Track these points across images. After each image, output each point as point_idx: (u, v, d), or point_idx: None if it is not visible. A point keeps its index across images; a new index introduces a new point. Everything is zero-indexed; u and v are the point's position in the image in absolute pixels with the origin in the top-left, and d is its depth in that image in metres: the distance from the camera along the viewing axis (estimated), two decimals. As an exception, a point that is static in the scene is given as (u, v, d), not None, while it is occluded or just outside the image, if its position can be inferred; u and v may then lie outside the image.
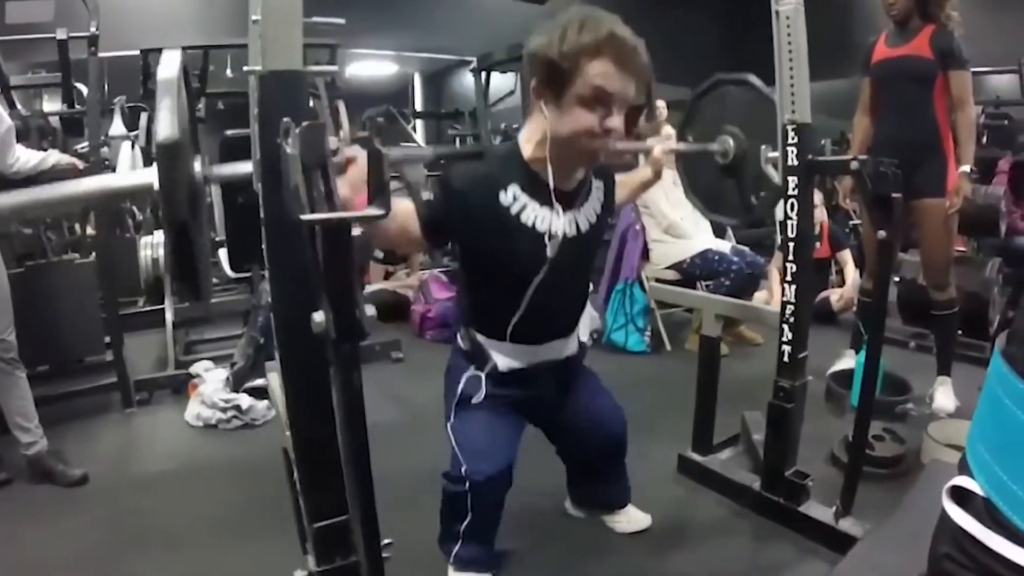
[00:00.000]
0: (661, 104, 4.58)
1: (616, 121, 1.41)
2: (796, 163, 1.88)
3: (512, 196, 1.48)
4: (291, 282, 1.04)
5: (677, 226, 3.89)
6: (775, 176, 1.95)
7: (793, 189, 1.90)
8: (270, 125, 0.97)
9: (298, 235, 0.87)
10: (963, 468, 0.58)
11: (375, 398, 3.25)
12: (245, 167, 1.29)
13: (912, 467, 2.56)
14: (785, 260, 1.98)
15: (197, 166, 1.17)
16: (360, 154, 1.14)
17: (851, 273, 4.46)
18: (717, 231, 4.11)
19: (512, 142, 1.56)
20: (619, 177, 1.81)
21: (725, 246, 3.97)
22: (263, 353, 2.96)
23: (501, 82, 4.61)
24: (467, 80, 7.33)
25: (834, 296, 4.42)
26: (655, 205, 3.87)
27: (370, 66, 8.22)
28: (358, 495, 0.84)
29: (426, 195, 1.46)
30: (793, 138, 1.87)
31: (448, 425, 1.69)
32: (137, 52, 4.07)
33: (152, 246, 4.01)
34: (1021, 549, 0.49)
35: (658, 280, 3.87)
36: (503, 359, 1.65)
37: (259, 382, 2.91)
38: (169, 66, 1.15)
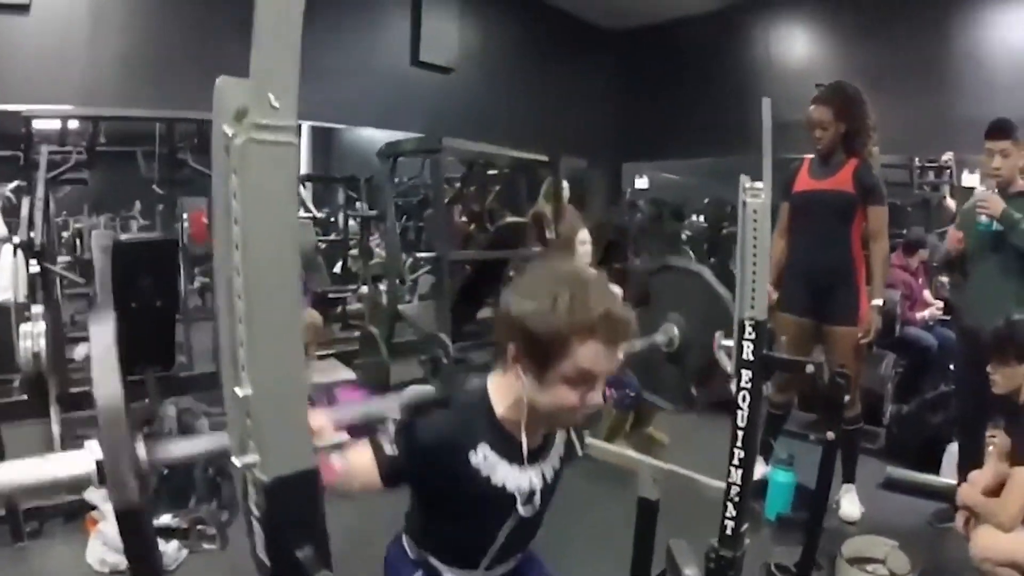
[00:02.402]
0: (564, 185, 4.48)
1: (598, 397, 1.33)
2: (751, 358, 1.89)
3: (483, 456, 1.39)
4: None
5: None
6: (728, 365, 1.96)
7: (746, 382, 1.91)
8: (280, 537, 0.83)
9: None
10: None
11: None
12: (200, 444, 1.17)
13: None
14: (733, 445, 1.99)
15: (141, 450, 1.04)
16: (323, 424, 1.12)
17: None
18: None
19: (481, 392, 1.45)
20: None
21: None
22: (167, 485, 2.73)
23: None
24: (361, 136, 7.02)
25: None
26: None
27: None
28: None
29: (389, 449, 1.34)
30: (751, 334, 1.88)
31: None
32: (18, 108, 3.68)
33: (33, 336, 3.53)
34: None
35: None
36: None
37: (165, 519, 2.67)
38: (107, 387, 0.98)
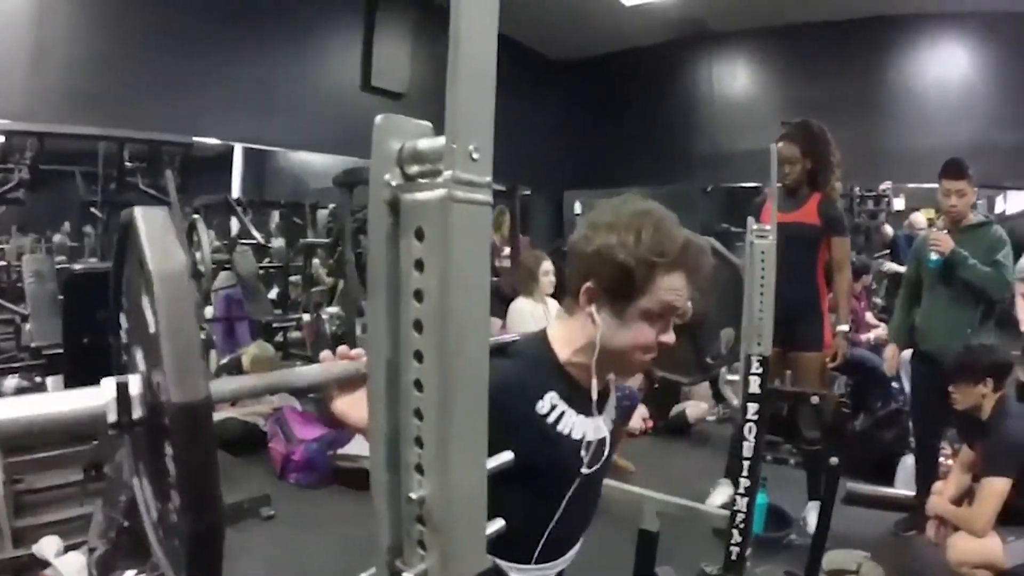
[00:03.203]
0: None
1: (672, 336, 1.31)
2: (758, 391, 1.98)
3: (550, 404, 1.32)
4: None
5: None
6: (734, 399, 2.04)
7: (753, 415, 2.00)
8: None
9: None
10: None
11: (252, 569, 2.95)
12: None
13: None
14: (739, 475, 2.08)
15: None
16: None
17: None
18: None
19: (540, 339, 1.39)
20: None
21: None
22: (127, 537, 2.58)
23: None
24: (295, 160, 6.84)
25: (690, 409, 4.73)
26: (522, 331, 3.79)
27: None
28: None
29: None
30: (758, 368, 1.97)
31: None
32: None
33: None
34: None
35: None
36: None
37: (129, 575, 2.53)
38: (165, 254, 0.76)
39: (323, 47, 6.13)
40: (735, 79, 6.72)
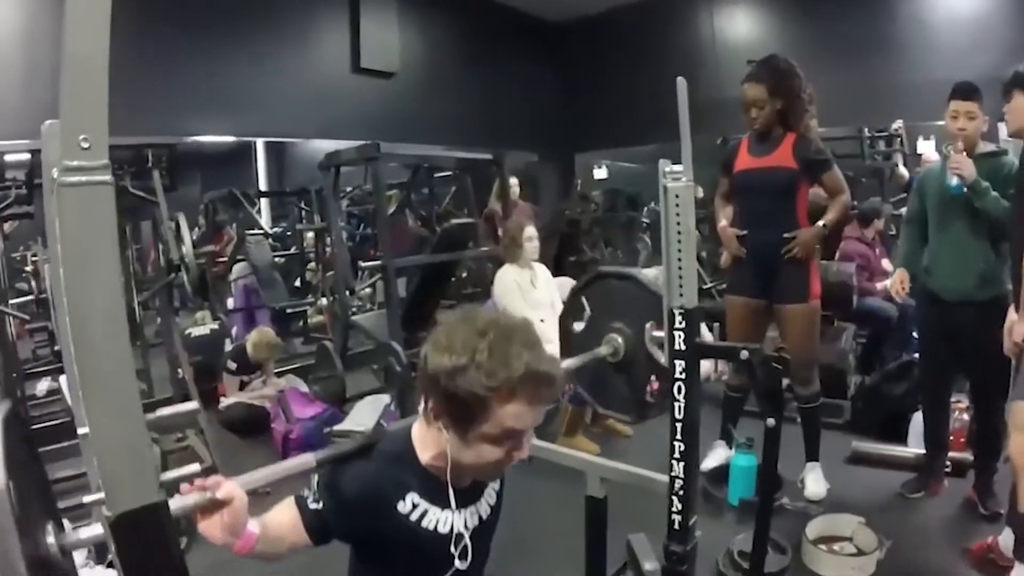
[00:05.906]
0: (514, 181, 4.50)
1: (525, 452, 1.27)
2: (684, 347, 1.83)
3: (411, 504, 1.33)
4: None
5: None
6: (661, 357, 1.91)
7: (680, 373, 1.85)
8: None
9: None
10: None
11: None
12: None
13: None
14: (673, 438, 1.94)
15: (51, 538, 0.97)
16: (236, 493, 1.08)
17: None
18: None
19: (404, 438, 1.38)
20: None
21: None
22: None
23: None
24: (311, 148, 6.91)
25: None
26: (511, 306, 3.70)
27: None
28: None
29: (313, 505, 1.29)
30: (681, 323, 1.82)
31: None
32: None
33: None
34: None
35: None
36: None
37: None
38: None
39: (311, 34, 6.09)
40: (737, 25, 6.40)
